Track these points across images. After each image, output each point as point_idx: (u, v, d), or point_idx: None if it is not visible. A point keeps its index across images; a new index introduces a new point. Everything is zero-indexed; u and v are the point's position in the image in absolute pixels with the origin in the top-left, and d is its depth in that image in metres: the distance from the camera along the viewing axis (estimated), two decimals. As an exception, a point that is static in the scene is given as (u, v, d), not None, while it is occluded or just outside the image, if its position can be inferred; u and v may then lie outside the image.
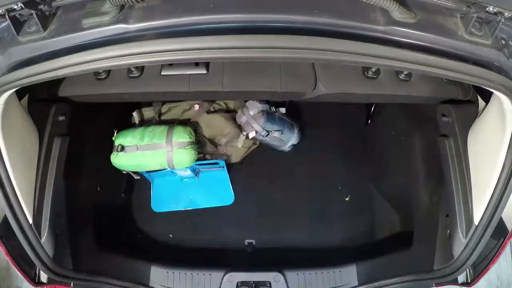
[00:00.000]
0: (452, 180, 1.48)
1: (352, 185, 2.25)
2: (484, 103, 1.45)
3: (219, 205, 2.17)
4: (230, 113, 2.17)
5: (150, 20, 0.99)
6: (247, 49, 0.96)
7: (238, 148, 2.16)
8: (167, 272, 1.60)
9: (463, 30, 1.03)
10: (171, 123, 2.01)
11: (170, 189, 2.19)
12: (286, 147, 2.20)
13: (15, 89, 1.15)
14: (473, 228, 1.38)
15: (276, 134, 2.09)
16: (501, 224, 1.36)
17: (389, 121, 2.12)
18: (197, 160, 1.96)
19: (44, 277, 1.48)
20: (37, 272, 1.48)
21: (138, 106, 2.33)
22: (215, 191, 2.19)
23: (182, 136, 1.89)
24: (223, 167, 2.10)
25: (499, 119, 1.24)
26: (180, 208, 2.17)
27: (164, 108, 2.12)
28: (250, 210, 2.16)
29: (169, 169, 1.94)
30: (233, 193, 2.19)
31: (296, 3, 1.01)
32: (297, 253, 2.03)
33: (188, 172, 2.09)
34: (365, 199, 2.21)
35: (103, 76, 1.57)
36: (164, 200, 2.18)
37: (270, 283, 1.59)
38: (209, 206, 2.17)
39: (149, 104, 2.17)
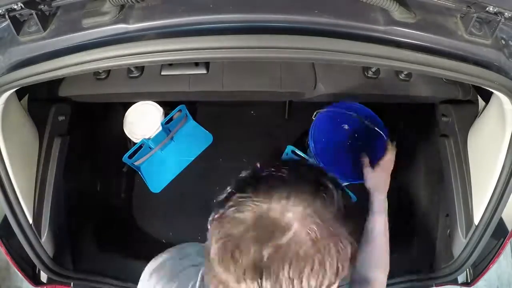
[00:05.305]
0: (452, 180, 1.48)
1: (352, 185, 2.25)
2: (484, 103, 1.45)
3: (204, 148, 2.26)
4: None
5: (150, 20, 0.99)
6: (247, 49, 0.96)
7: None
8: (167, 272, 1.60)
9: (463, 30, 1.03)
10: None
11: (157, 166, 2.23)
12: None
13: (15, 89, 1.14)
14: (473, 228, 1.38)
15: None
16: (501, 224, 1.36)
17: (389, 121, 2.12)
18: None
19: (44, 277, 1.48)
20: (37, 272, 1.48)
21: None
22: (194, 140, 2.29)
23: None
24: (186, 114, 2.19)
25: (499, 119, 1.24)
26: (175, 174, 2.22)
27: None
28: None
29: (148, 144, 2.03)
30: (209, 132, 2.29)
31: (296, 3, 1.01)
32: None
33: (165, 141, 2.17)
34: (365, 199, 2.20)
35: (103, 76, 1.57)
36: (157, 178, 2.22)
37: (270, 283, 1.59)
38: (197, 155, 2.25)
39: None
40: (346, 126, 2.01)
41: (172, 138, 2.25)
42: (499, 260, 1.50)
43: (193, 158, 2.25)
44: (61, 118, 1.55)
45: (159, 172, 2.22)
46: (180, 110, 2.10)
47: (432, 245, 1.59)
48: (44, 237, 1.41)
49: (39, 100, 1.49)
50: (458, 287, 1.55)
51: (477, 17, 0.99)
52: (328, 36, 0.96)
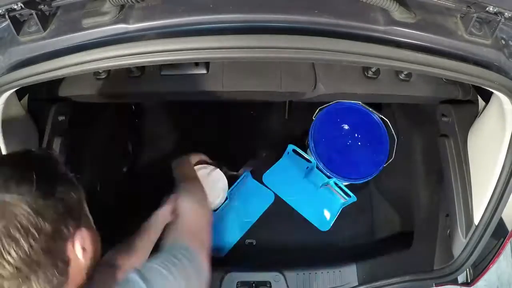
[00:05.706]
0: (452, 180, 1.48)
1: (352, 185, 2.25)
2: (484, 103, 1.45)
3: (267, 207, 2.12)
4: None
5: (150, 20, 0.99)
6: (247, 49, 0.96)
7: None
8: (167, 272, 1.60)
9: (463, 30, 1.03)
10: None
11: (221, 228, 2.06)
12: None
13: (15, 89, 1.14)
14: (473, 228, 1.38)
15: None
16: (501, 224, 1.36)
17: (388, 121, 2.12)
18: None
19: (44, 277, 1.48)
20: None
21: (138, 105, 2.34)
22: (255, 199, 2.13)
23: None
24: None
25: (499, 119, 1.24)
26: (240, 235, 2.08)
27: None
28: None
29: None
30: (270, 191, 2.13)
31: (296, 3, 1.01)
32: (297, 253, 2.04)
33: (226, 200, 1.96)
34: (365, 199, 2.21)
35: (103, 76, 1.57)
36: (222, 242, 2.05)
37: (270, 283, 1.59)
38: (260, 215, 2.11)
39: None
40: (346, 126, 2.02)
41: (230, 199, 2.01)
42: (499, 260, 1.50)
43: (255, 220, 2.09)
44: (61, 118, 1.54)
45: (224, 235, 2.04)
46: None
47: (432, 245, 1.59)
48: (44, 237, 1.40)
49: (39, 100, 1.49)
50: (458, 287, 1.55)
51: (477, 17, 1.00)
52: (328, 36, 0.96)
